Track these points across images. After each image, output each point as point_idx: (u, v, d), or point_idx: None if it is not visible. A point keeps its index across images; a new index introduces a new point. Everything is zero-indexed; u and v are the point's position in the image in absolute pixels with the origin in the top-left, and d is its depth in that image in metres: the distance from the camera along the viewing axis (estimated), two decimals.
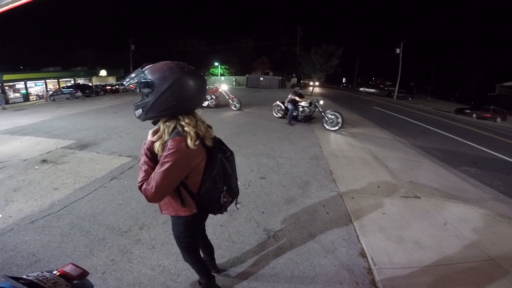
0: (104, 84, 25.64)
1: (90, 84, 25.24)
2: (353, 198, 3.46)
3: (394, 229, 2.86)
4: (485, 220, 3.19)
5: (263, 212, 2.96)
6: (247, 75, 30.08)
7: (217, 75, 35.52)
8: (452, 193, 3.99)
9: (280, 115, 8.78)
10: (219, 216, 2.79)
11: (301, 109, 8.11)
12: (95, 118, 9.12)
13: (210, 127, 1.34)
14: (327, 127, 7.38)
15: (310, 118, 8.28)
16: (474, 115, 19.10)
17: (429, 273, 2.22)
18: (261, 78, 28.49)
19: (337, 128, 7.27)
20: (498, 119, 17.87)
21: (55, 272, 0.98)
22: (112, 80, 30.47)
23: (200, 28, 44.55)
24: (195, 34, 38.48)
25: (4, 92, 18.96)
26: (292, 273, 2.10)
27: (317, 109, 7.91)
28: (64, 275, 0.97)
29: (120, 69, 33.36)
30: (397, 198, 3.58)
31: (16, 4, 2.67)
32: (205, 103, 10.30)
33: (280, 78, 28.54)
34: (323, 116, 7.54)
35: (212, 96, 10.63)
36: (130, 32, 35.29)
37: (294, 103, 8.14)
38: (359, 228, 2.78)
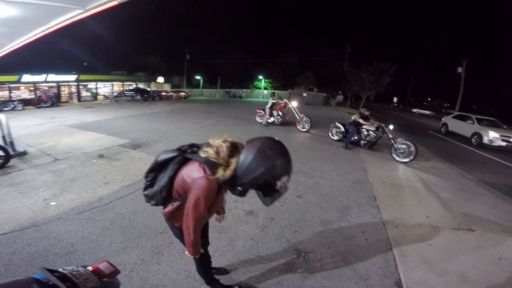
0: (160, 90, 28.10)
1: (148, 89, 27.89)
2: (397, 226, 3.18)
3: (439, 261, 2.65)
4: None
5: (296, 231, 2.83)
6: (290, 90, 30.03)
7: (260, 88, 36.34)
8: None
9: (338, 138, 7.84)
10: (250, 230, 2.78)
11: (365, 133, 7.16)
12: (149, 121, 9.93)
13: None
14: (396, 158, 6.38)
15: (374, 144, 7.29)
16: None
17: None
18: (305, 94, 28.08)
19: (408, 160, 6.20)
20: None
21: (89, 267, 1.01)
22: (167, 87, 33.26)
23: (247, 40, 46.36)
24: (243, 46, 40.18)
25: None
26: None
27: (385, 135, 6.81)
28: (96, 272, 1.00)
29: (175, 77, 36.31)
30: (448, 229, 3.25)
31: (103, 7, 2.98)
32: (271, 119, 9.74)
33: (325, 95, 27.82)
34: (393, 145, 6.48)
35: (279, 112, 9.86)
36: (186, 43, 38.25)
37: (357, 125, 7.26)
38: (399, 258, 2.58)
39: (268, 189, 1.24)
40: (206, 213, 1.34)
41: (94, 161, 4.77)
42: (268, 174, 1.17)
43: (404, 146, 6.35)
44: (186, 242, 1.41)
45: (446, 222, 3.41)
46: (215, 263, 2.14)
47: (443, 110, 32.30)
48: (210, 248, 1.82)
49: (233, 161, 1.24)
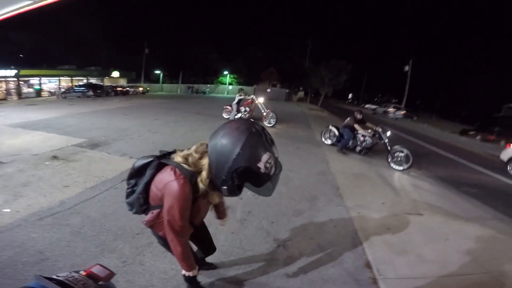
0: (115, 85, 26.12)
1: (101, 84, 25.74)
2: (359, 213, 3.55)
3: (398, 243, 3.01)
4: (485, 237, 3.33)
5: (272, 222, 3.01)
6: (254, 86, 30.40)
7: (225, 84, 35.99)
8: (453, 211, 4.07)
9: (331, 142, 7.42)
10: (230, 224, 2.75)
11: (361, 138, 6.71)
12: (106, 118, 9.23)
13: None
14: (393, 165, 6.08)
15: (369, 150, 6.87)
16: (479, 137, 18.97)
17: (431, 284, 2.37)
18: (269, 90, 28.68)
19: (404, 167, 5.90)
20: (502, 142, 17.57)
21: (81, 272, 0.97)
22: (123, 81, 31.01)
23: (212, 35, 45.00)
24: (207, 40, 39.15)
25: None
26: (302, 282, 2.15)
27: (382, 141, 6.44)
28: (91, 276, 0.95)
29: (132, 71, 33.95)
30: (401, 214, 3.71)
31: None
32: (238, 115, 9.63)
33: (287, 91, 28.78)
34: (389, 152, 6.19)
35: (246, 108, 9.76)
36: (145, 35, 35.68)
37: (353, 130, 6.85)
38: (365, 241, 2.89)
39: (255, 177, 1.08)
40: (186, 221, 1.23)
41: (47, 163, 4.33)
42: (243, 158, 1.01)
43: (401, 154, 6.09)
44: (175, 255, 1.32)
45: (399, 208, 3.89)
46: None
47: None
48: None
49: (205, 162, 1.14)
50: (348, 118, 7.09)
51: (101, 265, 1.02)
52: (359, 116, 6.91)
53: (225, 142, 1.03)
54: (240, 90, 9.99)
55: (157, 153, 1.37)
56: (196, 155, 1.18)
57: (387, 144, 6.29)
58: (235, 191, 1.12)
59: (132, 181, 1.36)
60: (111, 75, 30.52)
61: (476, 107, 36.08)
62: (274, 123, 9.37)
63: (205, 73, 37.08)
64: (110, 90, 22.75)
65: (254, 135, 1.05)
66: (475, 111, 35.12)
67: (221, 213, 1.74)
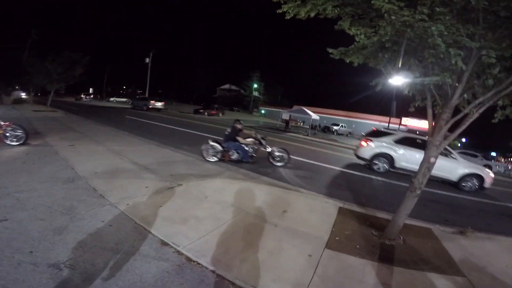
0: None
1: None
2: (128, 204, 3.68)
3: (175, 214, 3.49)
4: (225, 185, 4.87)
5: (31, 252, 2.47)
6: None
7: None
8: (202, 173, 5.53)
9: (217, 159, 7.08)
10: None
11: (246, 148, 7.33)
12: None
13: None
14: (274, 163, 7.65)
15: (255, 157, 7.67)
16: (206, 113, 27.06)
17: (215, 234, 3.05)
18: None
19: (283, 164, 7.64)
20: (220, 114, 27.60)
21: None
22: None
23: None
24: None
25: None
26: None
27: (262, 147, 7.63)
28: None
29: None
30: (165, 190, 4.33)
31: None
32: None
33: None
34: (270, 153, 7.64)
35: None
36: None
37: (234, 140, 7.33)
38: (147, 225, 3.12)
39: None
40: None
41: None
42: None
43: (280, 154, 7.67)
44: None
45: (161, 186, 4.50)
46: None
47: (137, 96, 38.37)
48: None
49: None
50: (229, 131, 7.36)
51: None
52: (239, 126, 7.40)
53: None
54: None
55: None
56: None
57: (267, 148, 7.63)
58: None
59: None
60: None
61: (201, 92, 50.59)
62: (22, 141, 6.51)
63: None
64: None
65: None
66: (201, 95, 49.09)
67: None
